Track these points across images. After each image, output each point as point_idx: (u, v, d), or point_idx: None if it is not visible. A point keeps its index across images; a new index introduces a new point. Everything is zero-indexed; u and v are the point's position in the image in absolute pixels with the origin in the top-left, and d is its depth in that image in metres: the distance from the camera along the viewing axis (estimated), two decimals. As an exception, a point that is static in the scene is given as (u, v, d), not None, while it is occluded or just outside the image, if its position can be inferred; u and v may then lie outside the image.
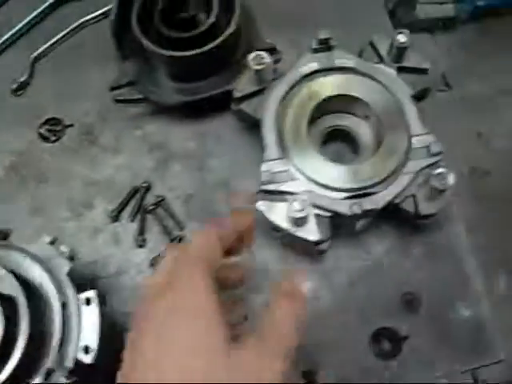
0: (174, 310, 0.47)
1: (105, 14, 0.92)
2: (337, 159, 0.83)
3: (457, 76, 1.82)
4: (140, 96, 0.82)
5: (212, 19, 0.80)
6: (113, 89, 0.83)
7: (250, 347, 0.48)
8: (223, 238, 0.55)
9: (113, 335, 0.69)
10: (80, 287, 0.67)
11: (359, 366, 0.76)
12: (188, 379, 0.43)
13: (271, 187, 0.73)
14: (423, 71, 0.80)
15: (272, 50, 0.86)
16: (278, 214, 0.71)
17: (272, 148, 0.75)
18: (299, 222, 0.70)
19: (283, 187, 0.73)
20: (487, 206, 1.63)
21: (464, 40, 1.83)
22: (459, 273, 0.80)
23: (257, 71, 0.75)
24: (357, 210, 0.72)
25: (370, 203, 0.72)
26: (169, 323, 0.47)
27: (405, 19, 1.74)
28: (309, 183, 0.74)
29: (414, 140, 0.76)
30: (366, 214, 0.73)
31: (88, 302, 0.66)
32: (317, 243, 0.72)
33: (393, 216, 0.78)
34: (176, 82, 0.83)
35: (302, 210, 0.68)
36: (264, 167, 0.74)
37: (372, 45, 0.81)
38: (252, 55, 0.75)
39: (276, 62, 0.84)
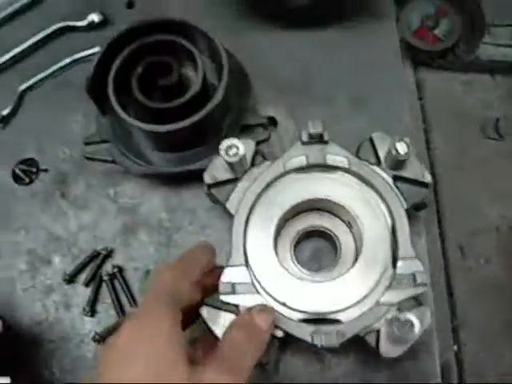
0: (138, 340, 0.50)
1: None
2: (313, 262, 0.75)
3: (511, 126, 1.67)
4: (109, 158, 0.76)
5: (196, 88, 0.72)
6: (86, 144, 0.77)
7: (211, 367, 0.51)
8: (189, 270, 0.59)
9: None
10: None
11: None
12: None
13: (230, 299, 0.66)
14: (423, 185, 0.70)
15: (264, 125, 0.78)
16: (222, 325, 0.64)
17: (237, 253, 0.68)
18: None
19: (241, 300, 0.65)
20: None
21: (527, 88, 1.66)
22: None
23: (230, 163, 0.68)
24: (315, 340, 0.64)
25: (332, 338, 0.64)
26: (132, 352, 0.49)
27: (465, 58, 1.61)
28: (268, 299, 0.66)
29: (400, 264, 0.66)
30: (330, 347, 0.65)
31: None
32: (261, 365, 0.65)
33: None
34: (152, 150, 0.76)
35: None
36: (225, 274, 0.66)
37: (371, 142, 0.72)
38: (224, 144, 0.67)
39: (263, 141, 0.76)
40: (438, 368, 0.75)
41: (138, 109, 0.74)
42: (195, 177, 0.75)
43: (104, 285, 0.78)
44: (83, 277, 0.79)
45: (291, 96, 0.84)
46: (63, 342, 0.76)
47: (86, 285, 0.78)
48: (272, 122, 0.82)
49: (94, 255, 0.79)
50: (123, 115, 0.70)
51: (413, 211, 0.75)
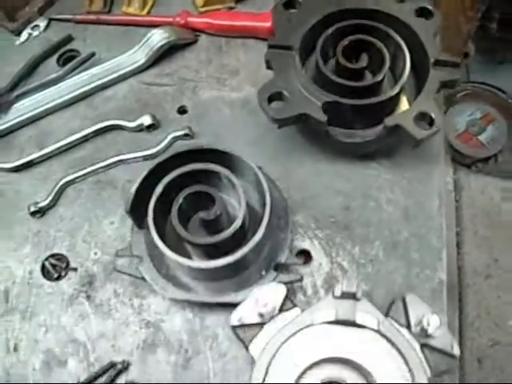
0: None
1: (144, 157, 0.86)
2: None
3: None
4: (139, 275, 0.76)
5: (236, 225, 0.72)
6: (118, 256, 0.77)
7: None
8: None
9: None
10: None
11: None
12: None
13: None
14: (451, 356, 0.69)
15: (297, 265, 0.78)
16: None
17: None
18: None
19: None
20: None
21: None
22: None
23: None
24: None
25: None
26: None
27: (506, 166, 1.60)
28: None
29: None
30: None
31: None
32: None
33: None
34: (183, 276, 0.76)
35: None
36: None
37: (404, 303, 0.71)
38: (256, 295, 0.67)
39: (295, 281, 0.76)
40: None
41: (176, 237, 0.73)
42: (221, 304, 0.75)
43: (114, 400, 0.77)
44: (96, 387, 0.78)
45: (329, 231, 0.83)
46: None
47: (98, 397, 0.78)
48: (306, 255, 0.81)
49: (110, 366, 0.78)
50: (161, 246, 0.70)
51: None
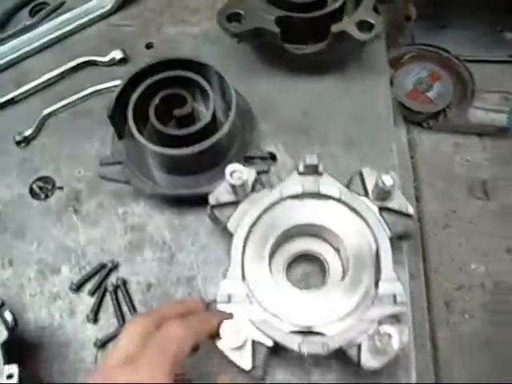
0: None
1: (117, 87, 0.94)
2: (303, 281, 0.82)
3: (498, 187, 1.77)
4: (122, 179, 0.83)
5: (207, 119, 0.80)
6: (101, 164, 0.85)
7: None
8: (198, 336, 0.62)
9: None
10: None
11: None
12: None
13: (226, 308, 0.72)
14: (407, 216, 0.78)
15: (265, 158, 0.86)
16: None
17: (235, 267, 0.74)
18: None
19: (237, 310, 0.72)
20: (503, 324, 1.57)
21: (513, 152, 1.77)
22: None
23: (233, 185, 0.75)
24: (302, 349, 0.70)
25: (317, 347, 0.69)
26: None
27: (455, 121, 1.71)
28: (260, 310, 0.72)
29: (381, 284, 0.73)
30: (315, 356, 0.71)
31: (10, 377, 0.67)
32: (248, 371, 0.71)
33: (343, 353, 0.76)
34: (162, 173, 0.84)
35: (237, 338, 0.67)
36: (223, 286, 0.73)
37: (361, 176, 0.80)
38: (230, 168, 0.74)
39: (263, 172, 0.84)
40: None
41: (152, 135, 0.81)
42: (199, 201, 0.82)
43: (108, 295, 0.83)
44: (89, 287, 0.84)
45: (290, 135, 0.92)
46: (65, 346, 0.81)
47: (91, 294, 0.83)
48: (272, 157, 0.90)
49: (101, 267, 0.84)
50: (139, 137, 0.78)
51: (397, 243, 0.82)
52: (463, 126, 1.77)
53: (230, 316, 0.70)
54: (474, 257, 1.77)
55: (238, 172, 0.75)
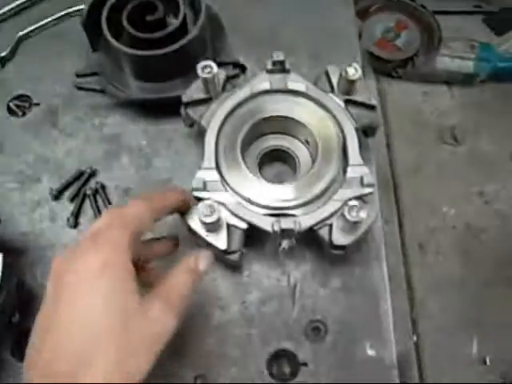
0: (93, 269, 0.53)
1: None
2: (277, 179, 0.85)
3: (467, 133, 1.82)
4: (99, 87, 0.86)
5: (177, 23, 0.83)
6: (78, 76, 0.87)
7: (158, 299, 0.56)
8: (155, 212, 0.63)
9: (33, 306, 0.76)
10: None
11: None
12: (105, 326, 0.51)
13: (202, 195, 0.75)
14: (370, 107, 0.82)
15: (235, 64, 0.89)
16: (194, 217, 0.73)
17: (209, 158, 0.77)
18: (211, 228, 0.72)
19: (213, 196, 0.75)
20: (476, 264, 1.62)
21: (481, 98, 1.83)
22: (373, 312, 0.80)
23: (205, 80, 0.78)
24: (275, 227, 0.73)
25: (290, 223, 0.73)
26: (85, 279, 0.52)
27: (423, 69, 1.76)
28: (235, 196, 0.76)
29: (349, 169, 0.77)
30: (286, 234, 0.74)
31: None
32: (226, 252, 0.74)
33: (316, 243, 0.79)
34: (136, 79, 0.87)
35: (210, 215, 0.70)
36: (198, 174, 0.76)
37: (327, 74, 0.83)
38: (201, 63, 0.77)
39: (234, 77, 0.87)
40: (387, 278, 0.83)
41: (125, 42, 0.84)
42: (172, 109, 0.85)
43: (87, 200, 0.86)
44: (68, 194, 0.87)
45: (259, 47, 0.95)
46: (47, 250, 0.83)
47: (71, 200, 0.86)
48: (241, 67, 0.93)
49: (79, 174, 0.87)
50: (112, 40, 0.81)
51: (364, 140, 0.86)
52: (431, 74, 1.81)
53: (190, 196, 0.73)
54: (446, 200, 1.81)
55: (209, 67, 0.78)
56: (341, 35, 0.98)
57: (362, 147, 0.81)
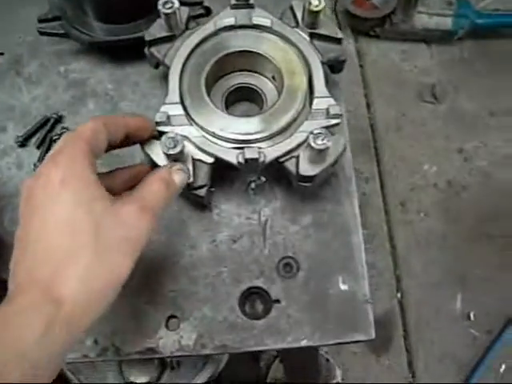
0: (56, 182, 0.55)
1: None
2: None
3: (447, 91, 1.81)
4: (61, 31, 0.84)
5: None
6: (40, 21, 0.86)
7: (131, 202, 0.58)
8: (111, 128, 0.63)
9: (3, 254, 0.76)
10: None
11: (226, 322, 0.76)
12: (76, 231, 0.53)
13: (166, 129, 0.74)
14: (336, 40, 0.80)
15: (198, 4, 0.88)
16: (156, 150, 0.72)
17: (173, 93, 0.76)
18: (175, 161, 0.71)
19: (177, 130, 0.73)
20: (457, 221, 1.62)
21: (460, 56, 1.82)
22: (344, 247, 0.80)
23: (167, 17, 0.77)
24: (240, 158, 0.72)
25: (254, 153, 0.72)
26: (51, 192, 0.55)
27: (401, 27, 1.75)
28: (199, 130, 0.75)
29: (315, 101, 0.76)
30: (251, 166, 0.73)
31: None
32: (192, 188, 0.73)
33: (286, 180, 0.79)
34: (99, 21, 0.85)
35: (174, 147, 0.69)
36: (162, 109, 0.75)
37: (291, 9, 0.82)
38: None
39: (198, 16, 0.86)
40: (358, 212, 0.82)
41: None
42: (137, 53, 0.83)
43: (54, 146, 0.85)
44: (34, 140, 0.85)
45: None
46: (14, 197, 0.82)
47: (37, 147, 0.85)
48: (207, 10, 0.91)
49: (45, 120, 0.86)
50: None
51: (333, 78, 0.85)
52: (409, 32, 1.80)
53: (148, 121, 0.72)
54: (427, 158, 1.81)
55: (170, 2, 0.76)
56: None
57: (329, 83, 0.80)
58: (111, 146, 0.65)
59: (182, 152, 0.70)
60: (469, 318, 1.53)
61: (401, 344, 1.44)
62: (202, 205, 0.80)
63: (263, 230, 0.80)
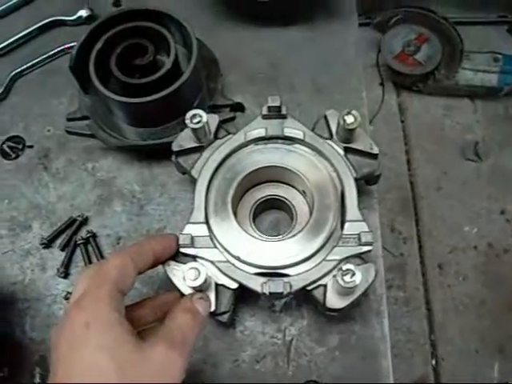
0: (81, 326, 0.54)
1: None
2: (273, 227, 0.81)
3: (490, 148, 1.75)
4: (88, 132, 0.83)
5: (168, 65, 0.80)
6: (68, 120, 0.84)
7: (159, 342, 0.56)
8: (138, 261, 0.63)
9: (22, 360, 0.78)
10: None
11: None
12: (100, 376, 0.52)
13: (189, 251, 0.72)
14: (372, 156, 0.77)
15: (230, 107, 0.85)
16: (179, 275, 0.70)
17: (198, 211, 0.74)
18: (198, 289, 0.69)
19: (200, 253, 0.71)
20: (497, 286, 1.56)
21: (504, 113, 1.76)
22: (372, 372, 0.76)
23: (194, 130, 0.74)
24: (265, 289, 0.69)
25: (279, 286, 0.69)
26: (77, 337, 0.54)
27: (445, 83, 1.69)
28: (224, 253, 0.72)
29: (347, 225, 0.72)
30: (277, 295, 0.70)
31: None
32: (215, 314, 0.71)
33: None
34: (128, 124, 0.83)
35: (196, 279, 0.66)
36: (186, 229, 0.73)
37: (325, 119, 0.79)
38: (190, 113, 0.73)
39: (229, 120, 0.84)
40: (388, 335, 0.79)
41: (116, 86, 0.81)
42: (166, 153, 0.81)
43: (78, 249, 0.83)
44: (59, 242, 0.84)
45: (258, 85, 0.91)
46: (36, 301, 0.81)
47: (62, 249, 0.84)
48: (240, 107, 0.89)
49: (71, 222, 0.84)
50: (100, 87, 0.77)
51: (368, 188, 0.82)
52: (453, 88, 1.75)
53: (174, 240, 0.71)
54: (467, 219, 1.75)
55: (197, 116, 0.74)
56: (345, 67, 0.93)
57: (364, 194, 0.77)
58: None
59: (204, 281, 0.67)
60: (507, 387, 1.46)
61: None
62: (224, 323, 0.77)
63: (287, 350, 0.77)
